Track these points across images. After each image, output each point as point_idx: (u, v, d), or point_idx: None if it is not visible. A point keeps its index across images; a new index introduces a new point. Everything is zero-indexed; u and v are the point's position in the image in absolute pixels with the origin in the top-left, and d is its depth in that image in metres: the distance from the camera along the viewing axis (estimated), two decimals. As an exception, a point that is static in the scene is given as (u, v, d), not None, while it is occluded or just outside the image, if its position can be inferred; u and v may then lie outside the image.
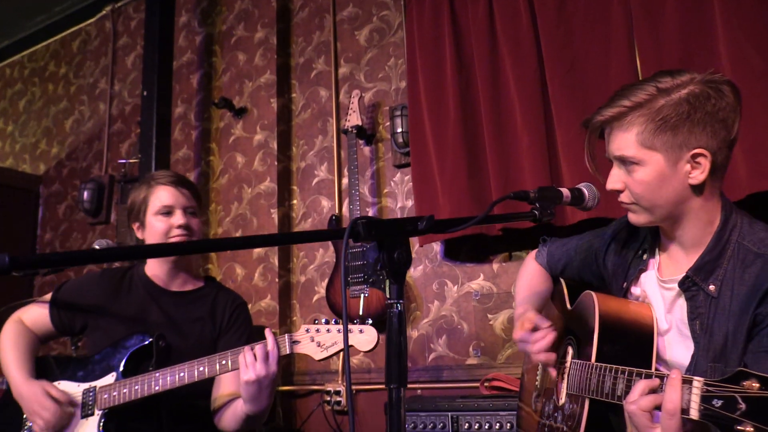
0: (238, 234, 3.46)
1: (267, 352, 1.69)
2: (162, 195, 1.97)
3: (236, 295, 2.12)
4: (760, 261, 1.24)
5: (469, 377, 2.83)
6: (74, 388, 1.83)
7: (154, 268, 2.01)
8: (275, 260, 3.33)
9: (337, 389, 3.10)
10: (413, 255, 3.07)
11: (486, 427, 2.44)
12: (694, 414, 0.95)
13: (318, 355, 1.70)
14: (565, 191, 1.38)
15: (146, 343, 1.84)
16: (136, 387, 1.76)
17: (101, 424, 1.76)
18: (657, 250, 1.47)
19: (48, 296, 1.96)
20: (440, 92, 2.84)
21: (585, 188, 1.42)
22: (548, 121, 2.61)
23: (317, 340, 1.73)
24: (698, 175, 1.27)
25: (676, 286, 1.36)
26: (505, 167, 2.68)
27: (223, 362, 1.74)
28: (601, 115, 1.35)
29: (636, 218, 1.39)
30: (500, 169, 2.68)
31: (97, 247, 1.95)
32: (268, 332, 1.74)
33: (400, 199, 3.17)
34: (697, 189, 1.30)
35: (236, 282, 3.40)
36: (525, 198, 1.32)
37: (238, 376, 1.76)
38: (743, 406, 0.86)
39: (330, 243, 3.19)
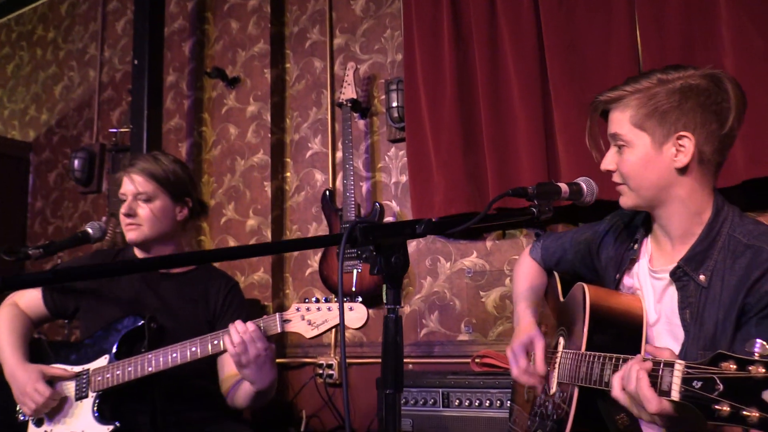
0: (231, 206, 3.44)
1: (253, 332, 1.69)
2: (121, 183, 2.03)
3: (228, 276, 2.13)
4: (750, 252, 1.28)
5: (460, 353, 2.86)
6: (68, 371, 1.84)
7: (141, 253, 2.01)
8: (268, 233, 3.32)
9: (330, 362, 3.13)
10: (407, 231, 3.08)
11: (476, 404, 2.47)
12: (675, 395, 0.97)
13: (309, 333, 1.71)
14: (563, 186, 1.38)
15: (138, 325, 1.84)
16: (129, 369, 1.77)
17: (95, 406, 1.77)
18: (648, 241, 1.51)
19: None
20: (437, 67, 2.80)
21: (583, 183, 1.43)
22: (546, 100, 2.58)
23: (308, 318, 1.73)
24: (682, 159, 1.33)
25: (667, 276, 1.39)
26: (501, 146, 2.66)
27: (215, 342, 1.74)
28: (604, 96, 1.43)
29: (624, 200, 1.45)
30: (496, 148, 2.66)
31: (89, 230, 1.92)
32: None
33: (395, 174, 3.15)
34: (683, 175, 1.35)
35: (229, 254, 3.39)
36: (523, 195, 1.32)
37: None
38: (721, 386, 0.89)
39: (323, 216, 3.18)
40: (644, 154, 1.37)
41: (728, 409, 0.87)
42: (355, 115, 3.19)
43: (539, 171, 2.56)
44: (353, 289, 2.99)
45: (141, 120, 3.40)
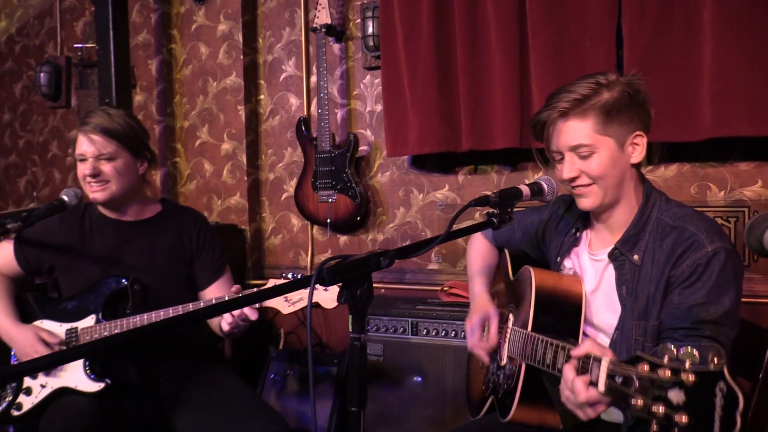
0: (205, 128, 3.42)
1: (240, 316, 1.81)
2: (78, 143, 1.99)
3: (195, 213, 2.21)
4: (675, 232, 1.44)
5: (429, 281, 3.01)
6: (57, 328, 1.94)
7: (109, 209, 2.05)
8: (243, 158, 3.34)
9: (303, 273, 3.26)
10: (381, 161, 3.12)
11: (443, 333, 2.66)
12: (601, 387, 1.12)
13: (285, 309, 1.81)
14: (524, 189, 1.44)
15: (122, 286, 1.92)
16: (116, 330, 1.87)
17: (87, 365, 1.89)
18: (587, 229, 1.65)
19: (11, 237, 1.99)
20: (414, 1, 2.71)
21: (544, 182, 1.49)
22: (523, 43, 2.55)
23: (284, 295, 1.83)
24: (638, 155, 1.48)
25: (605, 257, 1.54)
26: (475, 87, 2.65)
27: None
28: (556, 109, 1.46)
29: (590, 201, 1.52)
30: (471, 88, 2.65)
31: (65, 198, 1.92)
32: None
33: (370, 102, 3.13)
34: (632, 170, 1.50)
35: (205, 177, 3.43)
36: (485, 203, 1.37)
37: (222, 287, 2.02)
38: (636, 383, 1.02)
39: (297, 143, 3.19)
40: (611, 156, 1.46)
41: (641, 403, 1.00)
42: (329, 39, 3.11)
43: (512, 115, 2.58)
44: (328, 219, 3.07)
45: (107, 32, 3.25)
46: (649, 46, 2.30)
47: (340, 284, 1.10)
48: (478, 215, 2.93)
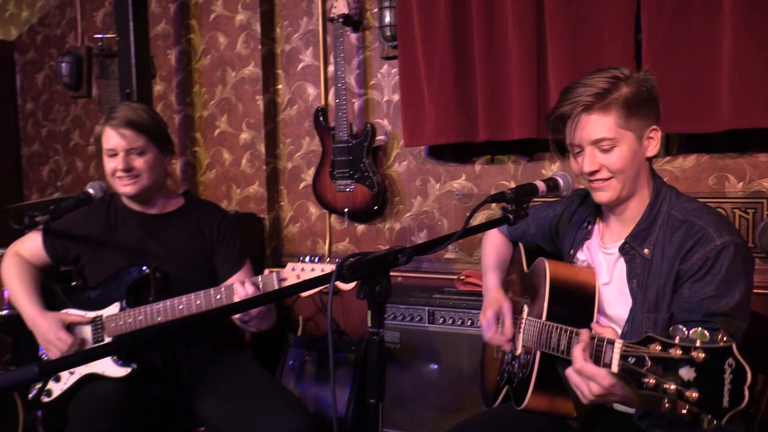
0: (224, 118, 3.45)
1: (253, 294, 1.84)
2: (107, 138, 2.01)
3: (216, 207, 2.24)
4: (685, 226, 1.46)
5: (446, 270, 3.04)
6: (83, 316, 2.00)
7: (130, 200, 2.10)
8: (262, 147, 3.37)
9: (321, 255, 3.31)
10: (398, 150, 3.14)
11: (459, 322, 2.70)
12: (614, 368, 1.16)
13: (303, 292, 1.85)
14: (540, 185, 1.46)
15: (144, 274, 1.98)
16: (140, 317, 1.93)
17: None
18: (599, 222, 1.67)
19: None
20: (431, -9, 2.71)
21: (560, 178, 1.50)
22: (540, 33, 2.55)
23: (303, 277, 1.87)
24: (653, 149, 1.50)
25: (616, 251, 1.56)
26: (492, 77, 2.65)
27: (218, 297, 1.90)
28: (580, 103, 1.47)
29: (605, 195, 1.53)
30: (488, 79, 2.66)
31: (91, 191, 1.97)
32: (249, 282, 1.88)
33: (387, 92, 3.14)
34: (646, 164, 1.52)
35: (224, 167, 3.47)
36: (502, 199, 1.39)
37: (241, 278, 2.02)
38: (649, 363, 1.06)
39: (315, 132, 3.22)
40: (631, 150, 1.48)
41: (653, 381, 1.04)
42: (347, 29, 3.12)
43: (529, 105, 2.59)
44: (346, 209, 3.11)
45: (127, 23, 3.29)
46: (667, 37, 2.29)
47: (361, 282, 1.13)
48: (495, 206, 2.95)
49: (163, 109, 3.56)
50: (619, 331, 1.54)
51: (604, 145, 1.46)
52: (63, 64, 3.72)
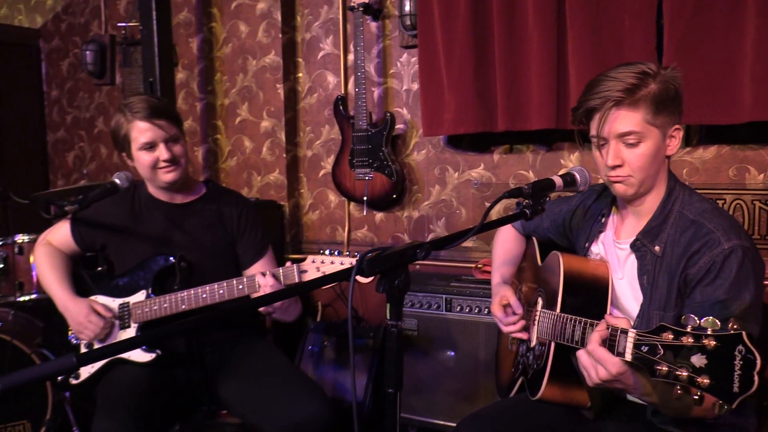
0: (245, 106, 3.49)
1: (273, 285, 1.89)
2: (139, 132, 2.02)
3: (238, 195, 2.27)
4: (694, 227, 1.46)
5: (464, 258, 3.07)
6: (111, 303, 2.06)
7: (154, 190, 2.15)
8: (282, 135, 3.41)
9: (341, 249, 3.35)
10: (417, 139, 3.16)
11: (476, 310, 2.73)
12: (628, 356, 1.19)
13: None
14: (557, 180, 1.47)
15: (170, 263, 2.03)
16: (165, 305, 1.98)
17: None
18: (614, 216, 1.67)
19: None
20: (451, -19, 2.71)
21: (577, 173, 1.51)
22: (561, 22, 2.54)
23: (323, 270, 1.91)
24: (673, 147, 1.51)
25: (628, 247, 1.57)
26: (512, 67, 2.65)
27: (240, 287, 1.94)
28: (611, 97, 1.46)
29: (627, 189, 1.54)
30: (507, 69, 2.66)
31: (117, 181, 2.01)
32: (269, 274, 1.92)
33: (406, 81, 3.16)
34: (666, 162, 1.53)
35: (245, 154, 3.52)
36: (519, 194, 1.41)
37: (263, 266, 2.09)
38: (661, 351, 1.10)
39: (335, 121, 3.25)
40: (655, 147, 1.48)
41: (666, 368, 1.08)
42: (366, 18, 3.14)
43: (549, 95, 2.59)
44: (365, 197, 3.14)
45: (149, 11, 3.32)
46: (689, 28, 2.27)
47: (380, 276, 1.17)
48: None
49: (185, 97, 3.61)
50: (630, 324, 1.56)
51: (630, 139, 1.46)
52: (87, 52, 3.78)
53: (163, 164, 2.03)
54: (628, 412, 1.57)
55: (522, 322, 1.77)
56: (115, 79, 3.90)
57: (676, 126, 1.49)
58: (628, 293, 1.58)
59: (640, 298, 1.54)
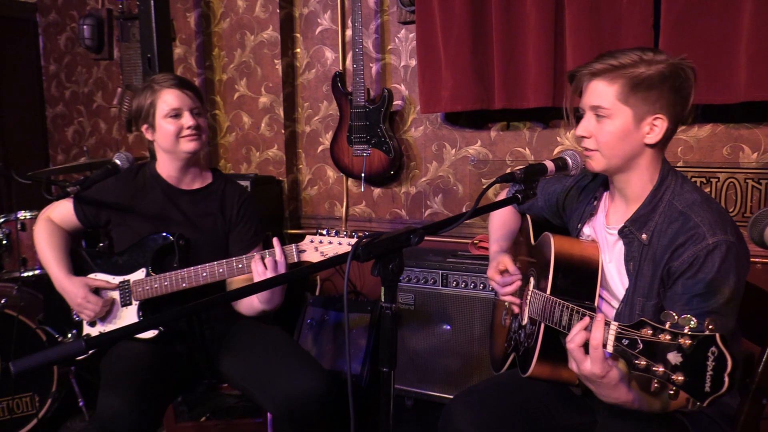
0: (243, 82, 3.50)
1: (275, 262, 1.92)
2: (169, 98, 2.07)
3: (242, 188, 2.29)
4: (681, 219, 1.47)
5: (460, 234, 3.10)
6: (111, 280, 2.10)
7: (167, 168, 2.15)
8: (280, 111, 3.42)
9: (338, 229, 3.40)
10: (415, 115, 3.18)
11: (471, 286, 2.78)
12: (609, 348, 1.23)
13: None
14: (549, 165, 1.50)
15: (168, 241, 2.07)
16: (166, 283, 2.02)
17: (140, 313, 2.06)
18: (606, 199, 1.69)
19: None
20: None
21: (569, 157, 1.54)
22: (558, 1, 2.53)
23: (321, 250, 1.95)
24: (653, 137, 1.49)
25: (616, 233, 1.59)
26: (509, 45, 2.66)
27: (240, 266, 1.98)
28: (590, 68, 1.51)
29: (594, 164, 1.56)
30: (504, 46, 2.67)
31: (118, 162, 2.04)
32: (276, 242, 1.95)
33: (404, 57, 3.16)
34: (648, 149, 1.51)
35: (243, 130, 3.53)
36: (511, 179, 1.44)
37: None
38: (641, 346, 1.14)
39: (333, 97, 3.26)
40: (623, 127, 1.48)
41: (644, 363, 1.12)
42: (364, -8, 3.12)
43: (546, 73, 2.60)
44: (363, 173, 3.17)
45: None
46: (686, 7, 2.28)
47: (375, 260, 1.20)
48: (508, 169, 2.99)
49: (183, 72, 3.61)
50: (616, 306, 1.59)
51: (601, 112, 1.49)
52: (84, 27, 3.77)
53: (187, 131, 2.07)
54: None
55: (518, 283, 1.80)
56: (113, 54, 3.89)
57: (658, 115, 1.46)
58: (615, 277, 1.61)
59: (626, 284, 1.57)
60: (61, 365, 2.64)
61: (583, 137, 1.54)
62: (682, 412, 1.46)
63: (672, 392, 1.06)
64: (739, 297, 1.43)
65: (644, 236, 1.52)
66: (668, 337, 1.08)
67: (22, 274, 2.74)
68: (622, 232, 1.57)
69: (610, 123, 1.48)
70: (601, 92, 1.48)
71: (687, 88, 1.47)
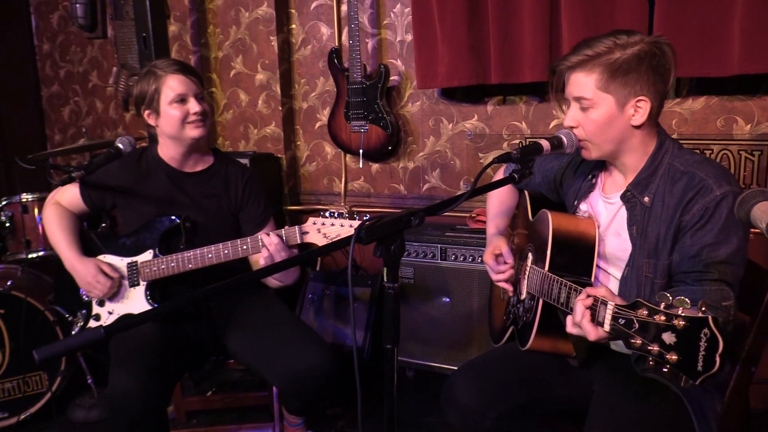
0: (239, 59, 3.49)
1: (277, 244, 1.97)
2: (174, 84, 2.08)
3: (243, 166, 2.32)
4: (686, 177, 1.52)
5: (458, 208, 3.08)
6: (119, 262, 2.14)
7: (170, 152, 2.18)
8: (277, 88, 3.42)
9: (340, 210, 3.43)
10: (412, 91, 3.19)
11: (470, 259, 2.83)
12: (606, 327, 1.28)
13: (323, 244, 1.97)
14: (545, 144, 1.53)
15: (175, 224, 2.11)
16: (173, 264, 2.07)
17: (147, 293, 2.11)
18: (602, 174, 1.74)
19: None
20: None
21: (564, 136, 1.57)
22: (554, -25, 2.53)
23: (323, 231, 1.99)
24: (639, 118, 1.54)
25: (618, 200, 1.64)
26: (505, 20, 2.67)
27: (244, 247, 2.03)
28: (567, 62, 1.56)
29: (587, 153, 1.63)
30: (500, 21, 2.67)
31: (120, 146, 2.05)
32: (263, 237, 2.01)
33: (400, 32, 3.15)
34: (637, 129, 1.56)
35: (241, 107, 3.54)
36: (508, 159, 1.47)
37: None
38: (636, 325, 1.19)
39: (329, 73, 3.26)
40: (608, 114, 1.53)
41: (639, 342, 1.17)
42: (359, -33, 3.11)
43: (542, 48, 2.61)
44: (361, 149, 3.19)
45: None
46: (681, -20, 2.28)
47: (377, 242, 1.24)
48: (506, 145, 3.02)
49: (179, 50, 3.60)
50: (619, 274, 1.64)
51: (584, 103, 1.54)
52: (77, 6, 3.74)
53: (192, 117, 2.09)
54: (611, 361, 1.68)
55: (510, 272, 1.85)
56: (107, 33, 3.86)
57: (640, 97, 1.50)
58: (615, 244, 1.66)
59: (628, 248, 1.61)
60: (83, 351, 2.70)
61: (572, 127, 1.59)
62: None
63: (666, 370, 1.11)
64: (746, 246, 1.49)
65: (646, 199, 1.57)
66: (663, 318, 1.13)
67: (27, 256, 2.77)
68: (624, 197, 1.62)
69: (594, 112, 1.54)
70: (581, 83, 1.53)
71: (665, 65, 1.51)
